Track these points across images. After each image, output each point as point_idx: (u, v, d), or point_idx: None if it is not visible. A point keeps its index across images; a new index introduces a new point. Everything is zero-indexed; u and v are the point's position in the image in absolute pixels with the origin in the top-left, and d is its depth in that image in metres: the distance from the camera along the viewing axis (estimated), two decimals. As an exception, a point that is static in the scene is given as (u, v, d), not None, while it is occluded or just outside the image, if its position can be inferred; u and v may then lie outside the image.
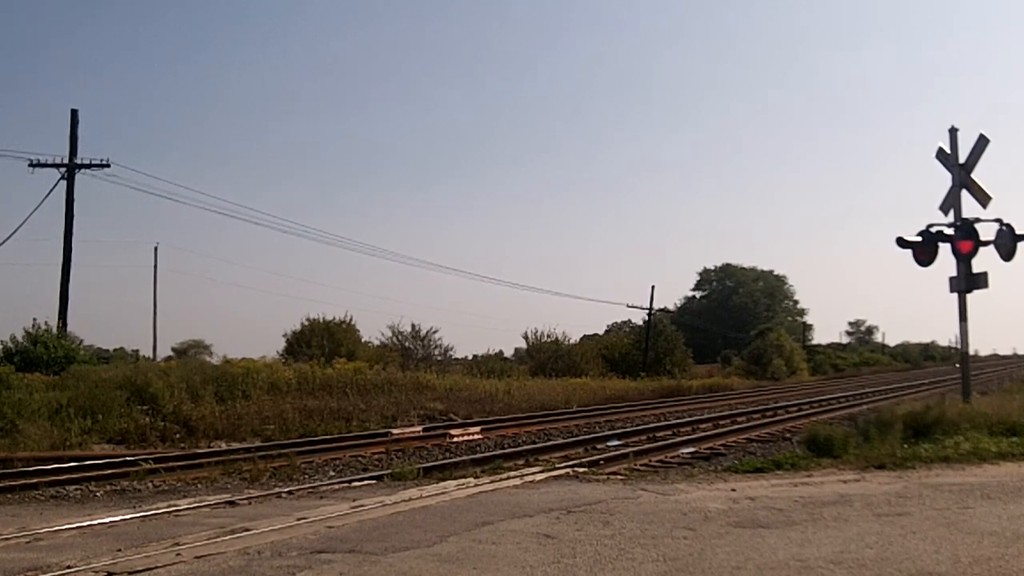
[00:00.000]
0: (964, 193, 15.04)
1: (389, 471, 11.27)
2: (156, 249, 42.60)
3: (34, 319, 26.12)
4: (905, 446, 10.83)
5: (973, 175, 14.94)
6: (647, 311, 53.14)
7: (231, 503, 8.46)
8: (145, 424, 18.05)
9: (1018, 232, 14.12)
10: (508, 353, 52.29)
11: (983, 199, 14.84)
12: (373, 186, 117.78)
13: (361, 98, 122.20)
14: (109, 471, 12.10)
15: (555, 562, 5.16)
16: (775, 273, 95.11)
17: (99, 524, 7.19)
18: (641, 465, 12.44)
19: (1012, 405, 13.97)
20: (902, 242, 14.79)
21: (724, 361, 63.83)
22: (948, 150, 15.35)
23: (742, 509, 7.07)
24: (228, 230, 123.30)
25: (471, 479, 9.68)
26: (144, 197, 45.60)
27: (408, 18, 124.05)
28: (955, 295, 14.94)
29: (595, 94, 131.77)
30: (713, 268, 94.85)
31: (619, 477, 10.03)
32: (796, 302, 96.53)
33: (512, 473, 10.39)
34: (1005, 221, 14.34)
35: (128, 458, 13.23)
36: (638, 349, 51.83)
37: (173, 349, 45.71)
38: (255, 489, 9.85)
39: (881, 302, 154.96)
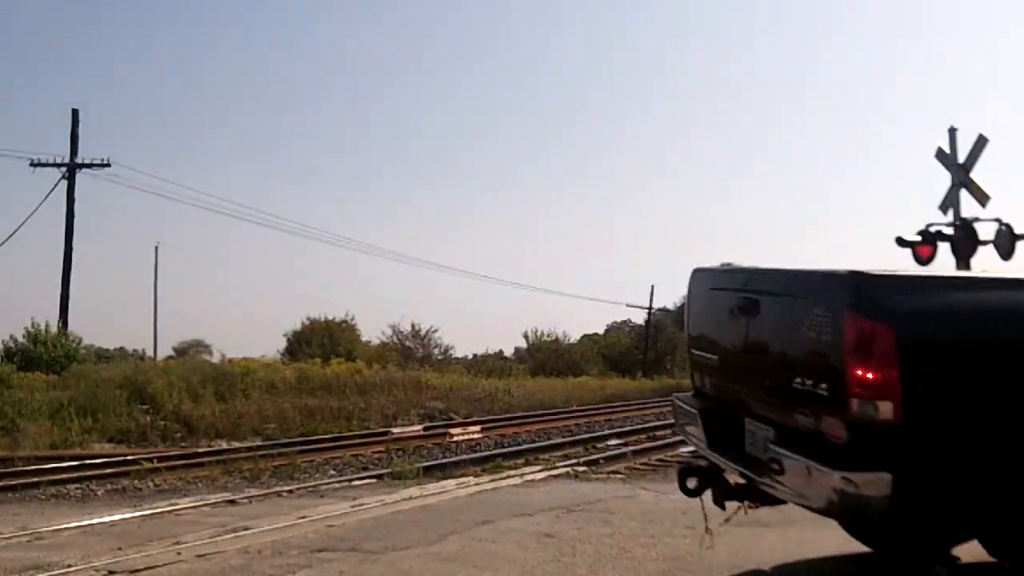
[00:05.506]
0: (963, 192, 15.05)
1: (389, 470, 11.30)
2: (157, 248, 42.57)
3: (32, 318, 26.15)
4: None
5: (972, 175, 14.96)
6: (647, 311, 53.18)
7: (232, 502, 8.48)
8: (145, 423, 18.06)
9: (1017, 232, 14.12)
10: (508, 353, 52.22)
11: (982, 199, 14.83)
12: (373, 186, 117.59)
13: (362, 98, 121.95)
14: (110, 470, 12.12)
15: (555, 561, 5.17)
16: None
17: (100, 523, 7.21)
18: (641, 464, 12.46)
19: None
20: (902, 242, 14.76)
21: (724, 360, 63.78)
22: (947, 150, 15.35)
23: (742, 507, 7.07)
24: (229, 230, 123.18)
25: (471, 478, 9.70)
26: (145, 196, 45.34)
27: (408, 18, 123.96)
28: (955, 294, 14.93)
29: (595, 93, 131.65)
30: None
31: (619, 476, 10.05)
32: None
33: (512, 472, 10.41)
34: (1004, 221, 14.34)
35: (128, 457, 13.26)
36: (638, 348, 51.82)
37: (174, 349, 45.67)
38: (256, 488, 9.88)
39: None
